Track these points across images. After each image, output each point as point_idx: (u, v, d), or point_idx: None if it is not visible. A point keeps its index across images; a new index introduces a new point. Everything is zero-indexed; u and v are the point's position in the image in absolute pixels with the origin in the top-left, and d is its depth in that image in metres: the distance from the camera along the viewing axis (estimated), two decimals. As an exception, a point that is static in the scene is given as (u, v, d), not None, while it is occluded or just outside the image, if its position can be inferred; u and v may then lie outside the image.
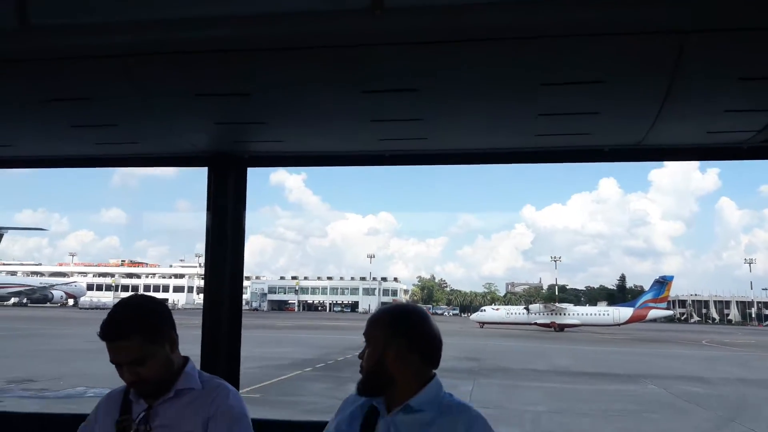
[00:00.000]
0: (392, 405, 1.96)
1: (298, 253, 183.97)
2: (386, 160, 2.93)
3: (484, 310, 68.35)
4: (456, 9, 1.59)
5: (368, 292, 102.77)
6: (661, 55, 1.75)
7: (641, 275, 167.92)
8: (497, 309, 70.66)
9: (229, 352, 2.90)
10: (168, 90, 2.17)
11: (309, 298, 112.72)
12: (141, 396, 2.09)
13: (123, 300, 2.20)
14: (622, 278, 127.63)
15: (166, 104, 2.32)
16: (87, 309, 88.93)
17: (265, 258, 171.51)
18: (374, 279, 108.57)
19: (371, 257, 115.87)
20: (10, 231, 52.50)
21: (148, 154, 3.02)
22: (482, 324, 60.74)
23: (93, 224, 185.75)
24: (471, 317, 69.93)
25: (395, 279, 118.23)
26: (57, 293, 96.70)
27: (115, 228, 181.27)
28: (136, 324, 2.02)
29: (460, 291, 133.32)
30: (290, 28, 1.67)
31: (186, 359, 2.17)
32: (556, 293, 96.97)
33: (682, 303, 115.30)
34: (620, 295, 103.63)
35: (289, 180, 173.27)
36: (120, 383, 2.15)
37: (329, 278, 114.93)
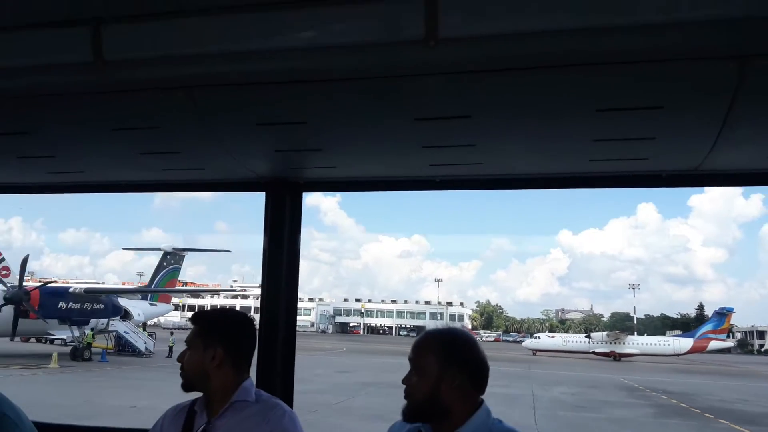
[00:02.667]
0: (441, 431, 1.99)
1: (332, 275, 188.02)
2: (437, 185, 3.03)
3: (539, 338, 70.83)
4: (510, 38, 1.62)
5: (434, 316, 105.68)
6: (721, 79, 1.76)
7: (680, 303, 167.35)
8: (552, 336, 73.53)
9: (284, 371, 3.06)
10: (231, 119, 2.34)
11: (374, 321, 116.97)
12: (183, 386, 2.31)
13: (234, 311, 2.56)
14: (701, 307, 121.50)
15: (229, 133, 2.48)
16: (171, 329, 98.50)
17: (299, 279, 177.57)
18: (439, 303, 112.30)
19: (439, 281, 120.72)
20: (190, 252, 52.83)
21: (209, 179, 3.24)
22: (535, 351, 63.90)
23: (133, 244, 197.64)
24: (524, 344, 72.06)
25: (461, 304, 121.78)
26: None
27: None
28: (204, 319, 2.37)
29: (515, 318, 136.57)
30: (346, 59, 1.77)
31: (247, 377, 2.34)
32: (635, 322, 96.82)
33: (761, 334, 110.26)
34: (696, 325, 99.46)
35: (324, 202, 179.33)
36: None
37: (393, 301, 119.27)
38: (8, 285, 34.21)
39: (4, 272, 52.81)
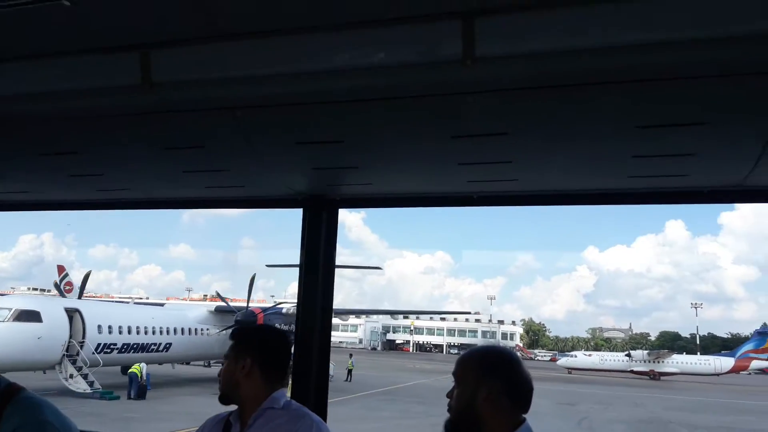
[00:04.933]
0: None
1: (355, 291, 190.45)
2: (474, 201, 3.17)
3: (575, 356, 72.79)
4: (547, 56, 1.67)
5: (485, 335, 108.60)
6: (762, 94, 1.81)
7: (709, 321, 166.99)
8: (590, 355, 74.54)
9: (318, 382, 3.27)
10: (271, 138, 2.52)
11: (423, 338, 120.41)
12: (219, 398, 2.55)
13: (270, 327, 2.82)
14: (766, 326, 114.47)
15: (269, 151, 2.67)
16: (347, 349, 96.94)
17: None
18: (489, 321, 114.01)
19: (492, 299, 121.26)
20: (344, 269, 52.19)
21: (249, 197, 3.55)
22: (570, 370, 66.47)
23: (160, 259, 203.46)
24: (559, 362, 73.48)
25: (513, 322, 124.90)
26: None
27: (182, 262, 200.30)
28: (239, 333, 2.66)
29: (558, 336, 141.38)
30: (384, 79, 1.88)
31: (279, 388, 2.55)
32: (698, 342, 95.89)
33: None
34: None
35: (349, 218, 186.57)
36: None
37: (442, 318, 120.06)
38: (235, 307, 35.50)
39: (67, 287, 51.48)
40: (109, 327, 29.67)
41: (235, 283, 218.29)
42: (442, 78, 1.84)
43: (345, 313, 44.79)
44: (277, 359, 2.58)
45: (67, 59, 2.04)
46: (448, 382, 2.18)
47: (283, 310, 38.66)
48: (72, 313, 27.79)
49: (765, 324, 70.72)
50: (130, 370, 28.25)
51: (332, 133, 2.42)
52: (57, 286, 50.64)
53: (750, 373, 74.45)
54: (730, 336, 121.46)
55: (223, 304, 37.06)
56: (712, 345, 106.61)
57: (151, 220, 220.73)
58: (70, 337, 27.15)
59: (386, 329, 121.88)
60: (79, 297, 34.91)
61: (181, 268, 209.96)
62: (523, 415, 2.14)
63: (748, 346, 68.07)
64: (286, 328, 37.22)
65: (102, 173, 3.18)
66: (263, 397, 2.50)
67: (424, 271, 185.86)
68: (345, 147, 2.58)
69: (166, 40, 1.95)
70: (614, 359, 70.51)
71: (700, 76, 1.74)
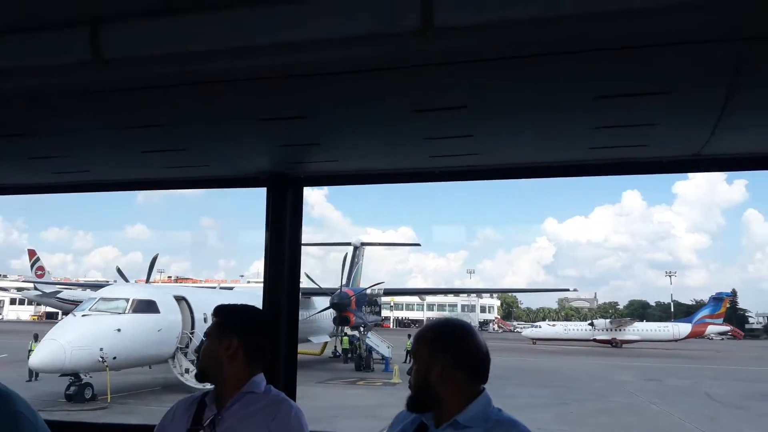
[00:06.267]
0: (441, 420, 2.16)
1: (319, 268, 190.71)
2: (437, 176, 3.25)
3: (540, 326, 74.80)
4: (507, 26, 1.69)
5: (464, 308, 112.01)
6: (720, 63, 1.85)
7: (664, 289, 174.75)
8: (553, 325, 77.09)
9: (287, 362, 3.28)
10: (232, 115, 2.49)
11: (402, 314, 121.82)
12: (196, 376, 2.60)
13: (254, 307, 2.71)
14: (734, 293, 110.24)
15: (230, 129, 2.66)
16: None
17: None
18: (468, 295, 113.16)
19: (471, 273, 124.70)
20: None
21: (211, 176, 3.52)
22: (534, 340, 68.36)
23: (116, 240, 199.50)
24: (524, 333, 76.37)
25: (491, 295, 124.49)
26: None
27: (139, 243, 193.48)
28: (224, 311, 2.63)
29: (530, 308, 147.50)
30: (344, 52, 1.87)
31: (260, 374, 2.57)
32: (672, 310, 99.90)
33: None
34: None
35: (312, 196, 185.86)
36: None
37: (421, 296, 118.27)
38: (328, 289, 33.61)
39: (39, 272, 52.94)
40: (211, 315, 27.51)
41: (195, 263, 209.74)
42: (402, 50, 1.85)
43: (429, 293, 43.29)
44: (263, 343, 2.64)
45: (15, 36, 2.00)
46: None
47: (367, 292, 37.24)
48: (179, 302, 25.84)
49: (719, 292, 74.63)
50: None
51: (294, 108, 2.42)
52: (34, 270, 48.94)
53: (723, 339, 79.45)
54: (694, 303, 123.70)
55: (311, 286, 34.94)
56: (677, 312, 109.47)
57: (106, 200, 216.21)
58: (183, 327, 25.07)
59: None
60: (147, 281, 32.21)
61: (139, 249, 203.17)
62: (483, 386, 2.21)
63: (704, 312, 71.80)
64: (369, 310, 36.98)
65: (57, 155, 3.15)
66: (244, 380, 2.53)
67: (388, 247, 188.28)
68: (308, 123, 2.58)
69: (116, 15, 1.91)
70: (577, 329, 72.87)
71: (654, 45, 1.77)
